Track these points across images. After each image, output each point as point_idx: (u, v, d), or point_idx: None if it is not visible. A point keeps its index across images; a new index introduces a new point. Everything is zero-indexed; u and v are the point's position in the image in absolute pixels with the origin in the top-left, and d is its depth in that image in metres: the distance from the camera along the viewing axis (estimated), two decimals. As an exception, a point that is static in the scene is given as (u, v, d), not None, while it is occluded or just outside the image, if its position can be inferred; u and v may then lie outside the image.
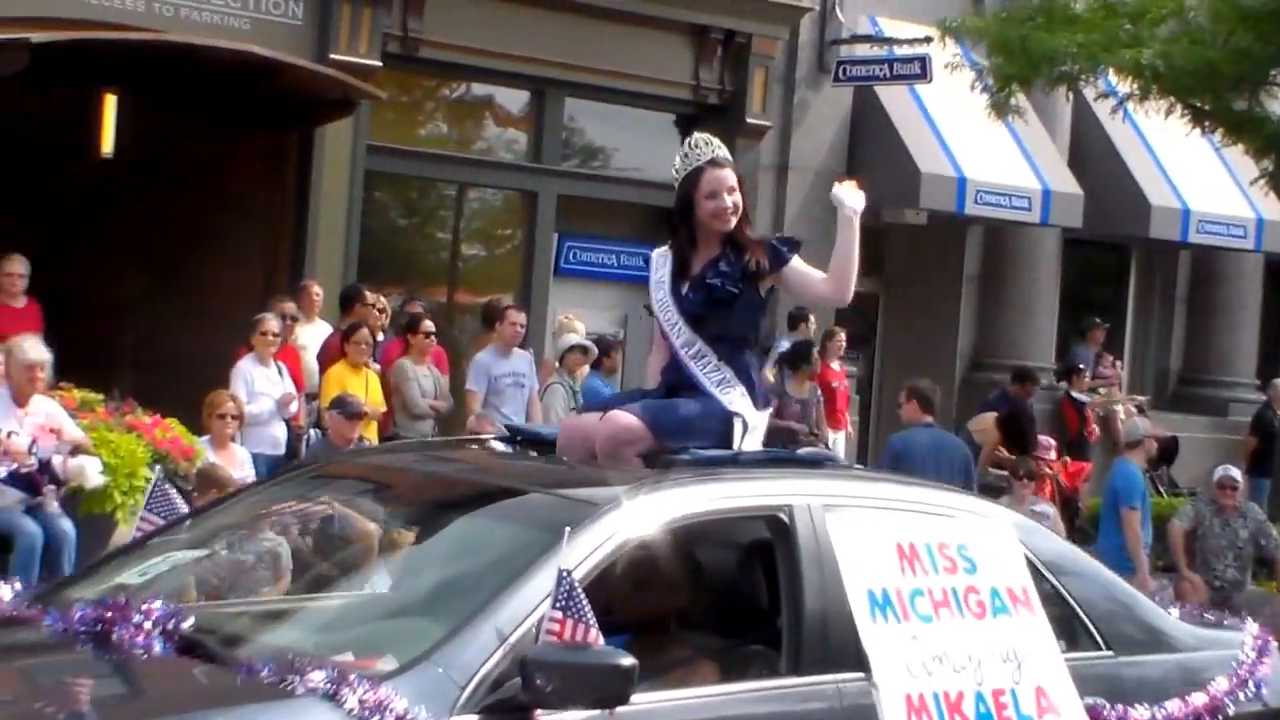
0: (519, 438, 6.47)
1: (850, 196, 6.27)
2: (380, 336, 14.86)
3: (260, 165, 16.45)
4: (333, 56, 15.95)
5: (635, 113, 18.63)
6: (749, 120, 18.66)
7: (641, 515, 5.38)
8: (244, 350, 13.62)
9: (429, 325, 14.63)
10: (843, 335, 17.99)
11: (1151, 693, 6.22)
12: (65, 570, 10.00)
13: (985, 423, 17.02)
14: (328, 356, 14.34)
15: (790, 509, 5.66)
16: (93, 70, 15.11)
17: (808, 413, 16.19)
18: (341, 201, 16.43)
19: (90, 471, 10.87)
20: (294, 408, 13.71)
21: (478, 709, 4.83)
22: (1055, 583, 6.18)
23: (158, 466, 7.88)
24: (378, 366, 14.36)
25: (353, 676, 4.76)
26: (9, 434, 10.77)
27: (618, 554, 5.32)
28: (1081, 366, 19.99)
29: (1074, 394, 19.53)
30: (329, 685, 4.72)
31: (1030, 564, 5.98)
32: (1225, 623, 7.00)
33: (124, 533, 7.02)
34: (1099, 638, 6.23)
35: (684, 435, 5.99)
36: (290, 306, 14.55)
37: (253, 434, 12.97)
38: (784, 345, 17.19)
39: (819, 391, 16.47)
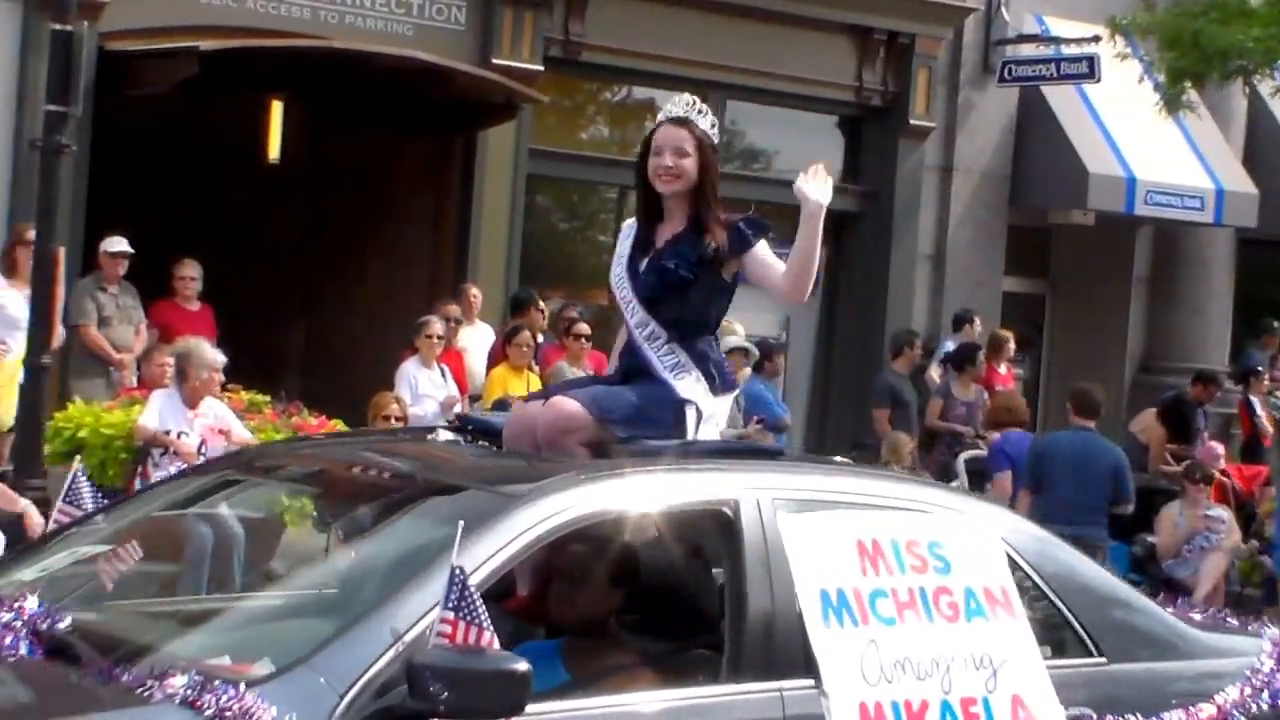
0: (470, 427, 6.06)
1: (815, 189, 5.80)
2: (540, 339, 14.89)
3: (424, 169, 16.56)
4: (495, 61, 16.00)
5: (797, 115, 18.50)
6: (912, 122, 18.46)
7: (561, 510, 4.98)
8: (408, 352, 13.72)
9: (583, 329, 14.64)
10: (1011, 339, 17.69)
11: (1150, 703, 5.76)
12: (235, 573, 10.06)
13: (1146, 420, 16.74)
14: (491, 359, 14.42)
15: (736, 503, 5.26)
16: (260, 77, 15.29)
17: (973, 415, 15.96)
18: (503, 205, 16.48)
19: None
20: (457, 409, 13.75)
21: (359, 718, 4.46)
22: (1043, 584, 5.76)
23: (77, 458, 7.67)
24: (538, 369, 14.40)
25: (217, 682, 4.42)
26: (179, 435, 10.92)
27: (530, 551, 4.96)
28: (1260, 369, 19.52)
29: (1251, 397, 19.08)
30: (189, 691, 4.39)
31: (1015, 565, 5.58)
32: (1247, 629, 6.51)
33: (292, 534, 6.88)
34: (1091, 643, 5.79)
35: (632, 423, 5.60)
36: (454, 309, 14.64)
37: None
38: (949, 346, 16.99)
39: (985, 394, 16.23)
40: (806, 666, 5.05)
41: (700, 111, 5.86)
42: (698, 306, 5.80)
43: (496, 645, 4.50)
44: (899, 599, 5.20)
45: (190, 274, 13.89)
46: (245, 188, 16.94)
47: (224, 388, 11.72)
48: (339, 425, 12.05)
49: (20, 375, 10.96)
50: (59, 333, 11.69)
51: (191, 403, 11.07)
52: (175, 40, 14.29)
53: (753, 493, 5.31)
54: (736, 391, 6.29)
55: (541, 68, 16.38)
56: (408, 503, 5.41)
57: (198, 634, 5.25)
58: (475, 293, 15.31)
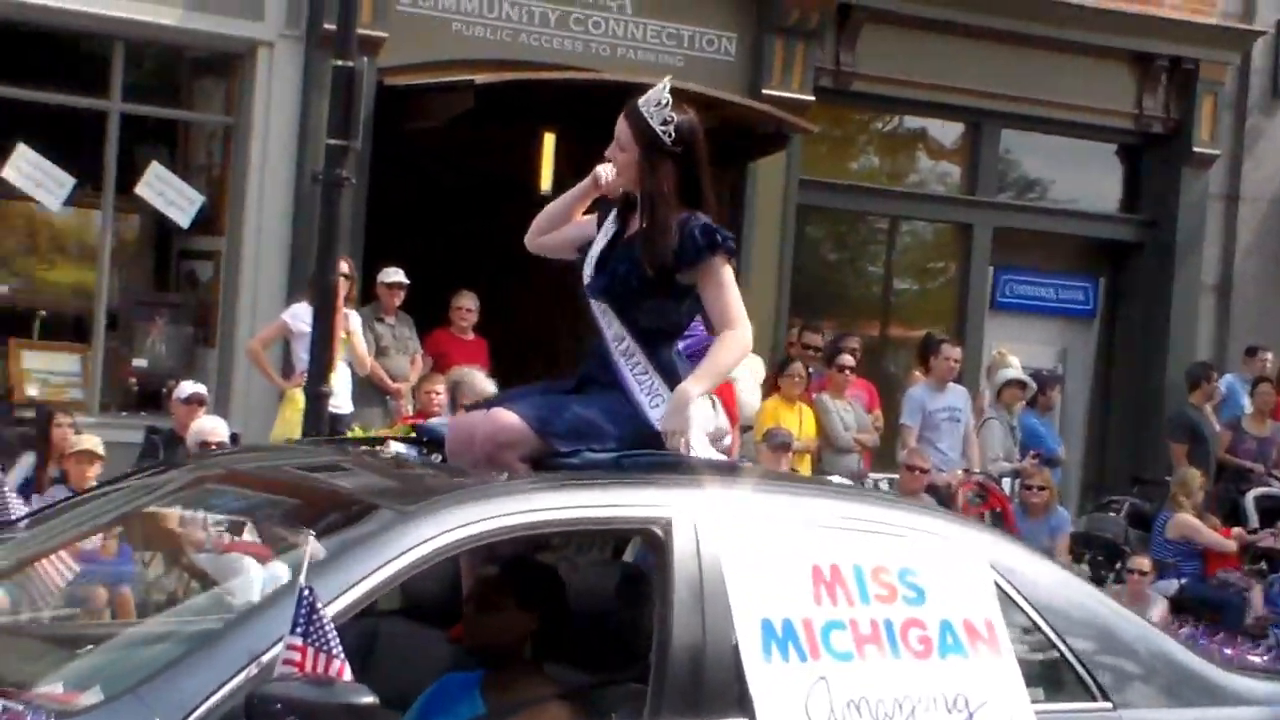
0: (425, 439, 5.59)
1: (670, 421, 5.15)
2: (811, 370, 14.78)
3: (694, 200, 16.53)
4: (765, 91, 15.96)
5: (1074, 143, 18.14)
6: (1196, 149, 17.95)
7: (450, 528, 4.50)
8: (679, 384, 13.68)
9: (846, 360, 14.50)
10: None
11: None
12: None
13: None
14: (762, 391, 14.36)
15: (667, 522, 4.72)
16: (533, 109, 15.44)
17: (1265, 451, 15.40)
18: (773, 236, 16.41)
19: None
20: (727, 440, 13.68)
21: None
22: (1037, 617, 5.15)
23: (14, 469, 7.45)
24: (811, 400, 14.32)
25: (27, 713, 4.03)
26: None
27: (411, 572, 4.48)
28: None
29: None
30: None
31: (1006, 595, 5.06)
32: None
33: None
34: (1094, 686, 5.16)
35: (577, 436, 5.10)
36: (725, 340, 14.56)
37: (687, 466, 12.99)
38: (1231, 381, 16.47)
39: (1281, 430, 15.66)
40: (740, 704, 4.58)
41: (661, 104, 5.29)
42: (654, 313, 5.29)
43: (348, 675, 4.09)
44: (859, 631, 4.73)
45: (467, 305, 14.08)
46: (519, 219, 17.08)
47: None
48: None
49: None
50: (365, 361, 11.97)
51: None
52: (452, 75, 14.50)
53: (689, 511, 4.76)
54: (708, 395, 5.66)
55: (812, 98, 16.29)
56: (289, 519, 5.10)
57: (46, 659, 4.87)
58: (747, 324, 15.25)
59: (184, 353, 14.63)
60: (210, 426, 11.05)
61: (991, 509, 13.69)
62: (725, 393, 14.00)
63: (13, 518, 5.69)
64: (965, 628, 4.86)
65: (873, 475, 14.66)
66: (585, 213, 5.69)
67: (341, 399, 12.10)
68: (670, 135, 5.25)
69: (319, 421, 10.77)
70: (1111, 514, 15.11)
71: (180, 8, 13.99)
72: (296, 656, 4.03)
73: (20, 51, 13.64)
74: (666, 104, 5.28)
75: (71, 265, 14.80)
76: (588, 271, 5.39)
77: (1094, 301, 18.54)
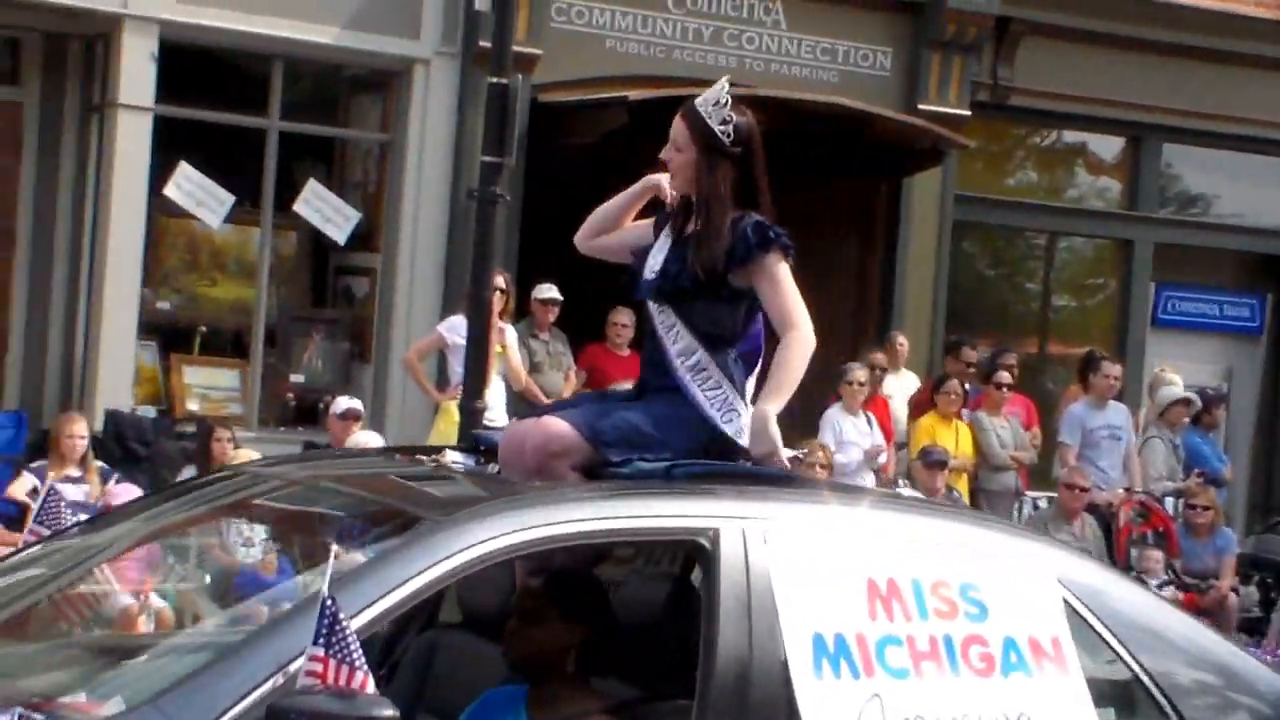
0: (482, 448, 5.45)
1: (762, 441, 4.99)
2: (968, 387, 14.61)
3: (849, 216, 16.44)
4: (921, 106, 15.82)
5: (1239, 157, 17.80)
6: (1374, 162, 17.60)
7: (488, 537, 4.37)
8: (833, 399, 13.60)
9: (1003, 376, 14.32)
10: None
11: None
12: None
13: None
14: (918, 408, 14.21)
15: (714, 533, 4.55)
16: (687, 125, 15.40)
17: None
18: (929, 252, 16.27)
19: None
20: (882, 459, 13.60)
21: None
22: (1109, 635, 4.88)
23: (50, 474, 7.34)
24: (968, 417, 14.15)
25: None
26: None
27: (444, 583, 4.39)
28: None
29: None
30: None
31: (1075, 613, 4.81)
32: None
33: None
34: (1169, 707, 4.86)
35: (630, 445, 4.94)
36: (879, 357, 14.46)
37: (841, 484, 12.92)
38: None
39: None
40: None
41: (719, 104, 5.13)
42: (707, 318, 5.11)
43: (371, 687, 3.97)
44: (916, 648, 4.53)
45: (622, 320, 14.06)
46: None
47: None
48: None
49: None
50: (520, 377, 12.02)
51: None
52: (605, 91, 14.51)
53: (738, 522, 4.59)
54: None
55: (968, 112, 16.13)
56: (326, 529, 4.99)
57: (76, 668, 4.81)
58: (902, 341, 15.13)
59: (340, 368, 14.75)
60: (366, 441, 11.12)
61: (1154, 529, 13.43)
62: (880, 410, 13.89)
63: (64, 526, 5.64)
64: (1030, 645, 4.67)
65: (1030, 494, 14.47)
66: (639, 217, 5.58)
67: (496, 413, 12.13)
68: (729, 135, 5.11)
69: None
70: None
71: (338, 27, 14.13)
72: (319, 668, 3.93)
73: (183, 71, 13.83)
74: (725, 104, 5.13)
75: (231, 282, 14.98)
76: (645, 275, 5.24)
77: (1261, 318, 18.17)
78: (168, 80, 13.64)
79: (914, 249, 16.16)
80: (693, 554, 4.74)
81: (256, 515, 5.31)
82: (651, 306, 5.19)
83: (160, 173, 13.69)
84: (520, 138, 12.53)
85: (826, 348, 16.38)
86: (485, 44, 13.03)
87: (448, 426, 12.11)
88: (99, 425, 12.89)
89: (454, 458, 5.32)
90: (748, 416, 5.04)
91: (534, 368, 13.50)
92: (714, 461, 4.96)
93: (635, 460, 4.88)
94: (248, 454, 10.93)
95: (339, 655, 3.91)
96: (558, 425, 4.95)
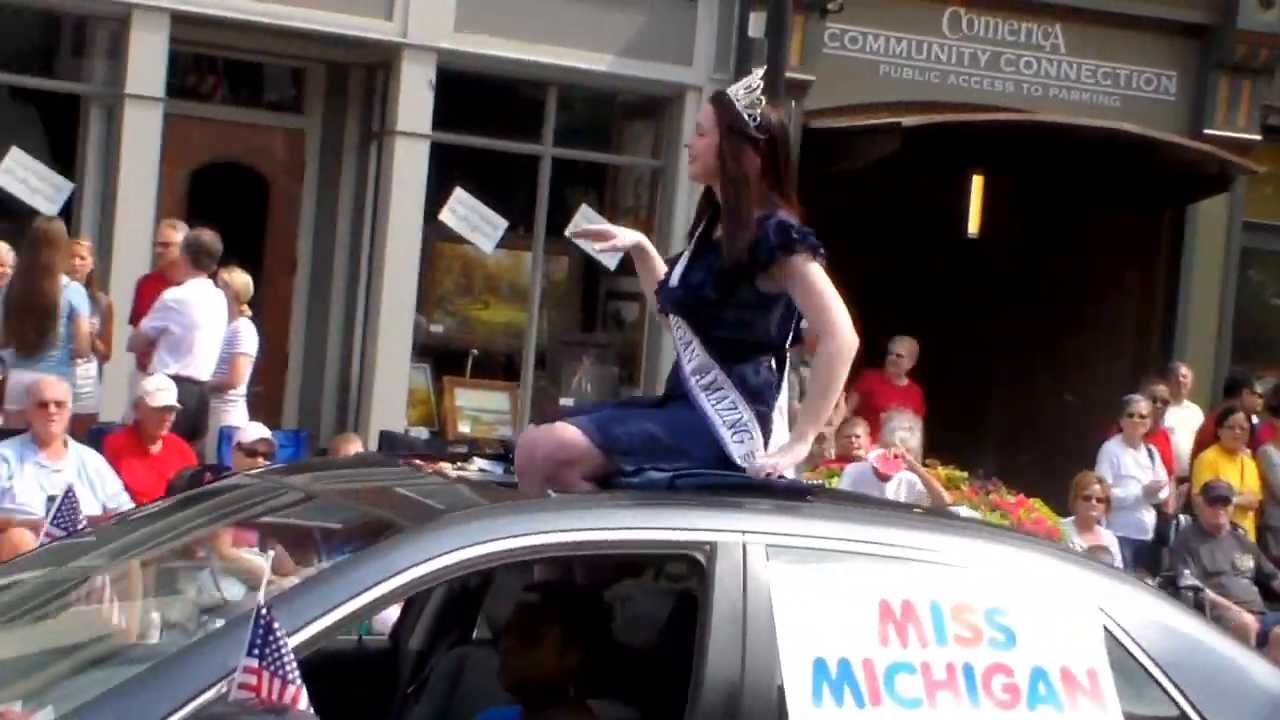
0: (510, 455, 5.13)
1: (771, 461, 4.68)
2: (1254, 421, 14.13)
3: (1130, 244, 16.06)
4: (1207, 131, 15.40)
5: None
6: None
7: (461, 545, 4.14)
8: (1113, 431, 13.27)
9: (1292, 408, 13.85)
10: None
11: None
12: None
13: None
14: (1201, 441, 13.80)
15: (711, 547, 4.27)
16: (961, 151, 15.19)
17: None
18: (1214, 281, 15.81)
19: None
20: (1163, 494, 13.22)
21: None
22: (1156, 669, 4.50)
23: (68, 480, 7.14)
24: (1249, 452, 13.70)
25: None
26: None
27: (411, 591, 4.20)
28: None
29: None
30: None
31: (1118, 643, 4.45)
32: None
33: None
34: None
35: (645, 453, 4.65)
36: (1161, 389, 14.08)
37: (1119, 517, 12.61)
38: None
39: None
40: None
41: (750, 88, 4.85)
42: (736, 325, 4.77)
43: (304, 702, 3.76)
44: (931, 676, 4.20)
45: (902, 351, 13.91)
46: (945, 262, 16.85)
47: (923, 463, 11.62)
48: (1037, 505, 11.73)
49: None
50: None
51: (882, 476, 11.04)
52: (878, 117, 14.37)
53: (737, 535, 4.31)
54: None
55: (1259, 137, 15.64)
56: (303, 538, 4.82)
57: (35, 676, 4.56)
58: (1185, 372, 14.70)
59: (610, 392, 14.79)
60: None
61: None
62: (1161, 443, 13.50)
63: (79, 527, 5.53)
64: (1063, 676, 4.32)
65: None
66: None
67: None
68: (755, 119, 4.82)
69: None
70: None
71: (611, 53, 14.21)
72: (253, 680, 3.75)
73: (459, 99, 14.03)
74: (756, 89, 4.87)
75: (503, 305, 15.15)
76: (668, 285, 4.94)
77: None
78: (444, 107, 13.85)
79: (1198, 278, 15.72)
80: (690, 568, 4.43)
81: (244, 531, 5.20)
82: (672, 319, 4.92)
83: (436, 198, 13.91)
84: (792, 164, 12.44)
85: (1106, 378, 16.11)
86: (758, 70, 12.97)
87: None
88: (373, 446, 13.10)
89: (481, 465, 5.11)
90: (774, 430, 4.74)
91: (802, 395, 13.35)
92: (724, 472, 4.64)
93: (648, 470, 4.61)
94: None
95: (273, 667, 3.73)
96: (568, 432, 4.69)
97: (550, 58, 14.02)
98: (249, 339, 11.94)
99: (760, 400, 4.74)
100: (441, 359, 14.63)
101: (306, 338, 14.33)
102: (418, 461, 5.20)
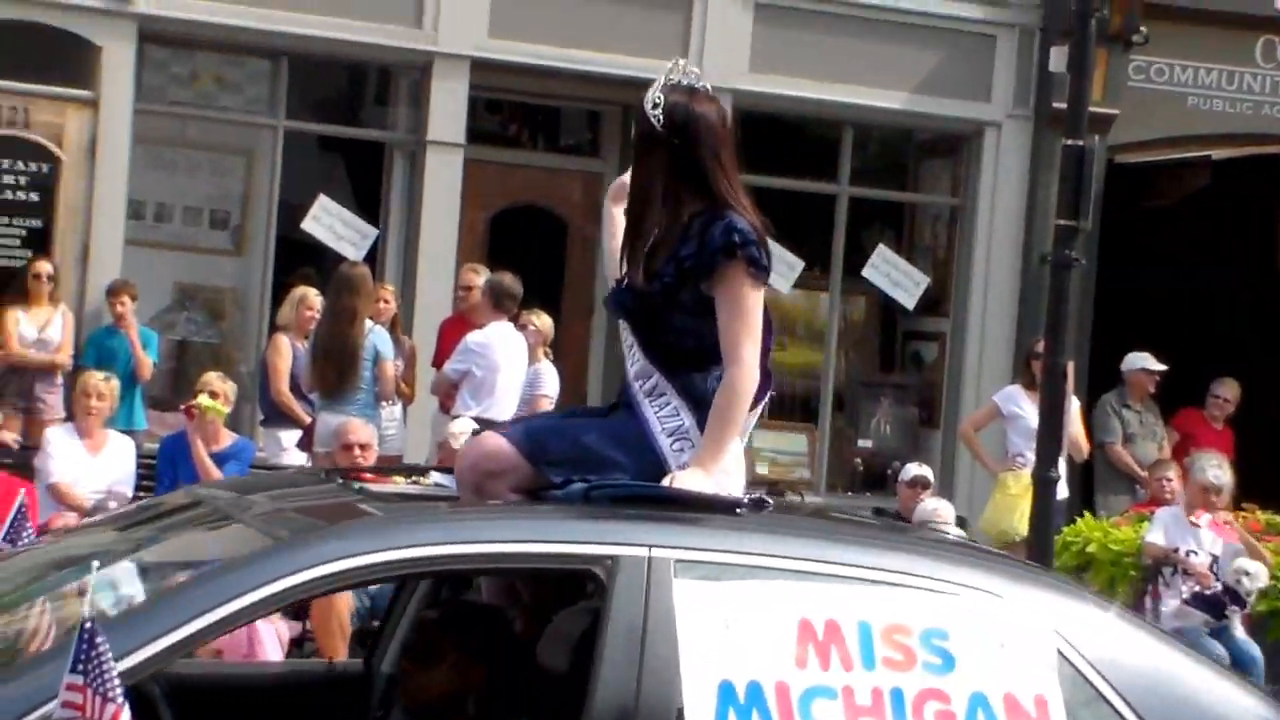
0: None
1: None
2: None
3: None
4: None
5: None
6: None
7: (335, 558, 3.96)
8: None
9: None
10: None
11: None
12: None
13: None
14: None
15: (613, 562, 4.02)
16: (1275, 183, 14.71)
17: None
18: None
19: (1257, 573, 10.52)
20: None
21: None
22: (1116, 699, 4.14)
23: (21, 490, 6.85)
24: None
25: None
26: (1187, 553, 10.59)
27: (270, 608, 4.02)
28: None
29: None
30: None
31: (1075, 669, 4.12)
32: None
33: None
34: None
35: (574, 465, 4.36)
36: None
37: None
38: None
39: None
40: None
41: (657, 87, 4.49)
42: (685, 333, 4.46)
43: None
44: (853, 701, 3.91)
45: (1227, 395, 13.58)
46: (1254, 298, 16.28)
47: (1238, 508, 11.32)
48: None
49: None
50: (1082, 446, 11.75)
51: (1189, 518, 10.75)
52: (1186, 151, 14.00)
53: (642, 550, 4.04)
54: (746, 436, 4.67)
55: None
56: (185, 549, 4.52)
57: None
58: None
59: (908, 434, 14.67)
60: (934, 508, 10.93)
61: None
62: None
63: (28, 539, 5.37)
64: (1006, 703, 4.02)
65: None
66: None
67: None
68: (659, 119, 4.46)
69: (1047, 508, 10.48)
70: None
71: (908, 91, 14.09)
72: (78, 698, 3.59)
73: (754, 138, 14.01)
74: (659, 83, 4.52)
75: (799, 346, 15.08)
76: (617, 286, 4.69)
77: None
78: (739, 147, 13.79)
79: None
80: (589, 584, 4.20)
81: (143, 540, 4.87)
82: (620, 322, 4.66)
83: (731, 239, 13.87)
84: (1096, 200, 12.16)
85: None
86: (1060, 105, 12.71)
87: (1003, 498, 11.86)
88: (671, 487, 13.12)
89: (437, 479, 4.89)
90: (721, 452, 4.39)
91: (1126, 439, 13.10)
92: (643, 484, 4.34)
93: (576, 481, 4.34)
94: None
95: (96, 685, 3.56)
96: (494, 443, 4.47)
97: (846, 96, 13.96)
98: (551, 381, 12.05)
99: (707, 408, 4.42)
100: (739, 400, 14.58)
101: (605, 379, 14.42)
102: (356, 478, 4.98)
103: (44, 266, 11.95)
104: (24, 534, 5.32)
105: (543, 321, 12.08)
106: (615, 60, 13.36)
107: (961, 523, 11.40)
